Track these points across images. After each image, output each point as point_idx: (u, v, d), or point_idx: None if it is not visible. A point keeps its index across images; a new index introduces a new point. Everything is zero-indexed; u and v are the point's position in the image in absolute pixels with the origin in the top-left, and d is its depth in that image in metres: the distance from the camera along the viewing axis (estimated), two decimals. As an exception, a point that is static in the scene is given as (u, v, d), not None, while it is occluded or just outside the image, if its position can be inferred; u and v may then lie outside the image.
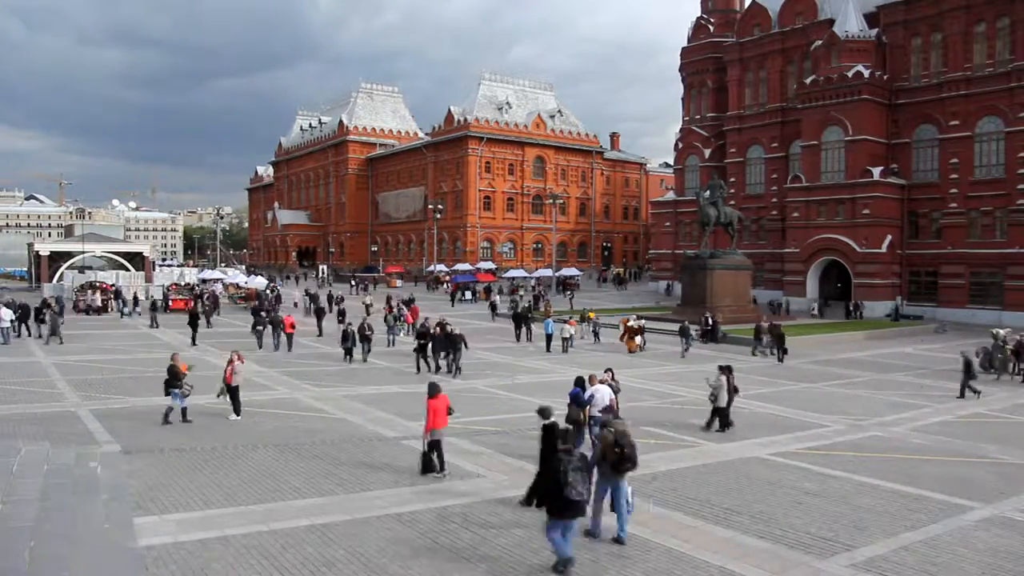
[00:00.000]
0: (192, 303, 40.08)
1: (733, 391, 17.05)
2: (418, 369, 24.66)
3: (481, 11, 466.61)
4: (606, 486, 9.81)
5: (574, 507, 8.53)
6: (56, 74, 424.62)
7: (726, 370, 17.26)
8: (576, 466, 8.51)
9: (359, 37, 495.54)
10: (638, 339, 32.15)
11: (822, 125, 53.13)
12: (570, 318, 34.66)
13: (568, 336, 31.62)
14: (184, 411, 16.13)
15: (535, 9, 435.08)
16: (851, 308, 49.38)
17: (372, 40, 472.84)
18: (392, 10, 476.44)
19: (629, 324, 32.77)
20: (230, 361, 16.82)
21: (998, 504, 11.97)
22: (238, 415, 16.66)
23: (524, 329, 35.25)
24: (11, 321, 30.06)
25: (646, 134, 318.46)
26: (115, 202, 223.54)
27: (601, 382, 15.19)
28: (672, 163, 76.36)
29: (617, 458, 9.51)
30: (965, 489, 12.76)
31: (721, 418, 16.82)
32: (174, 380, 15.94)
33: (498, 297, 55.29)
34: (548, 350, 31.34)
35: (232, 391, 16.68)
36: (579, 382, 14.87)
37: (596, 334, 35.18)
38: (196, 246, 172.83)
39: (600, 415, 14.04)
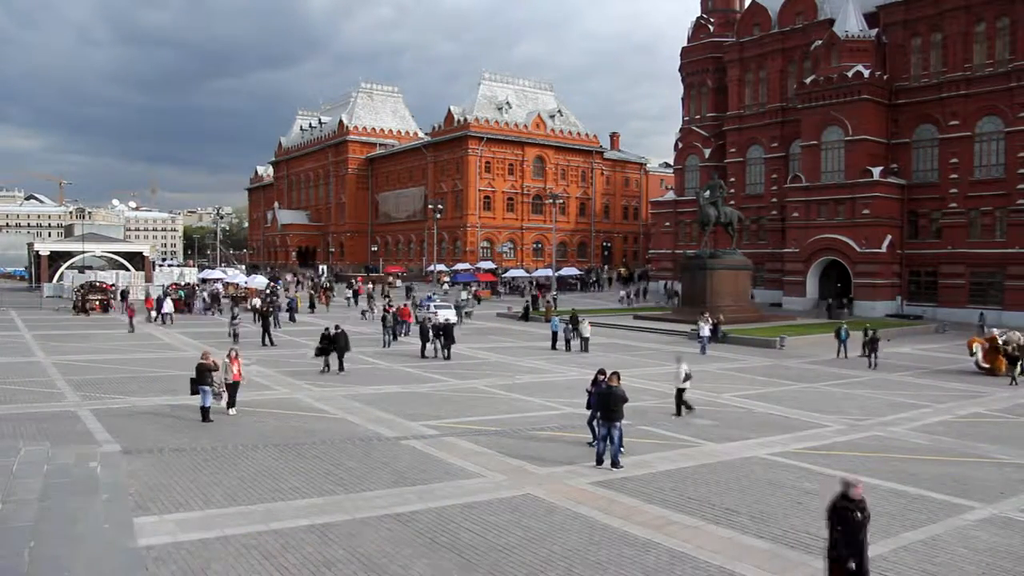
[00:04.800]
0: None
1: None
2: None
3: (484, 7, 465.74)
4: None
5: None
6: (56, 74, 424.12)
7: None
8: None
9: (360, 34, 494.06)
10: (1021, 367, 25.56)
11: (822, 125, 53.13)
12: (587, 319, 34.02)
13: (587, 336, 31.84)
14: (207, 410, 16.30)
15: (539, 4, 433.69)
16: (832, 305, 49.40)
17: (373, 37, 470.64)
18: (389, 4, 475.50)
19: (1004, 342, 25.96)
20: (233, 360, 17.08)
21: (998, 504, 11.96)
22: (233, 407, 16.98)
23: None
24: None
25: (655, 133, 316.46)
26: (115, 202, 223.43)
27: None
28: (672, 163, 76.36)
29: None
30: (965, 489, 12.76)
31: None
32: (203, 377, 16.17)
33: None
34: (553, 348, 32.07)
35: (232, 387, 17.05)
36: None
37: (567, 341, 32.67)
38: (196, 246, 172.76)
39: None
